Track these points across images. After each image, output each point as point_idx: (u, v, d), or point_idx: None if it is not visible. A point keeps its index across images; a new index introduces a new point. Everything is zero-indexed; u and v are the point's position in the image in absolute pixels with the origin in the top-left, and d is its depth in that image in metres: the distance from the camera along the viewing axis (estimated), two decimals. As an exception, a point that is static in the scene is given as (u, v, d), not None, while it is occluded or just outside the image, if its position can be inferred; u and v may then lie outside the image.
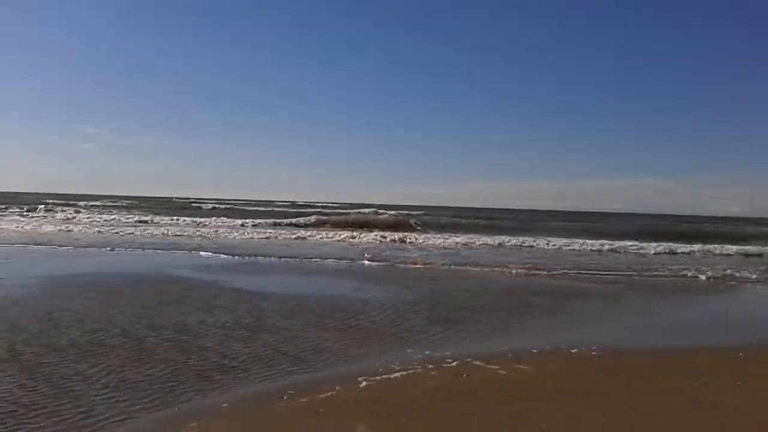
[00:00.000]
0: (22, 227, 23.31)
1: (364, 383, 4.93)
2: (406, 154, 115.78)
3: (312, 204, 74.51)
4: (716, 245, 22.76)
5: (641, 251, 20.88)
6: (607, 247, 21.60)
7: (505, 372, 5.39)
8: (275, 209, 49.11)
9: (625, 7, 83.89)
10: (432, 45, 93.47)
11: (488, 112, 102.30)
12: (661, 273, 14.48)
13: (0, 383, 4.70)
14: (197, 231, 23.88)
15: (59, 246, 16.32)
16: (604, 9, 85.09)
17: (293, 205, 67.31)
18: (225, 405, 4.40)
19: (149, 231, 22.79)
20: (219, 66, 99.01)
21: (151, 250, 16.08)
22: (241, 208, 50.10)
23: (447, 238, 23.10)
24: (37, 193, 70.66)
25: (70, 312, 7.37)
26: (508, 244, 22.43)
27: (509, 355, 5.95)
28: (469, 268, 14.42)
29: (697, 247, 22.10)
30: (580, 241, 23.36)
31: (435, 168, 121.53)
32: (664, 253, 20.72)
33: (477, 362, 5.63)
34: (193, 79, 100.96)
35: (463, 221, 35.69)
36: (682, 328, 8.19)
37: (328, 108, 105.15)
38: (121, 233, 21.67)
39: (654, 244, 22.05)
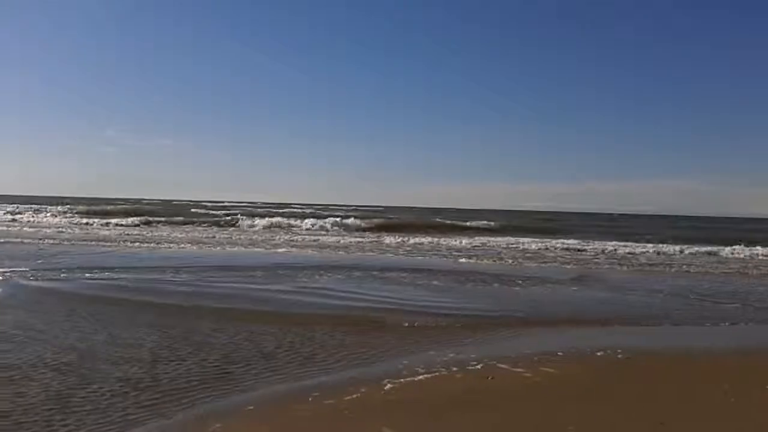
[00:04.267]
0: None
1: (388, 385, 4.89)
2: (409, 154, 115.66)
3: (351, 207, 74.48)
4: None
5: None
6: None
7: (530, 374, 5.32)
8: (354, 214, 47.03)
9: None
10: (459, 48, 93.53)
11: (504, 111, 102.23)
12: None
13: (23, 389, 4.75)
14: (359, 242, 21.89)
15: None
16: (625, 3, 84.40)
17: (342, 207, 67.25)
18: (251, 407, 4.39)
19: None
20: (239, 67, 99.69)
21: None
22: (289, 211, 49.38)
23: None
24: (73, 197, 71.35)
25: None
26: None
27: (535, 357, 5.87)
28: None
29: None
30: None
31: (442, 168, 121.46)
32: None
33: (502, 365, 5.56)
34: (213, 80, 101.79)
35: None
36: (714, 331, 8.04)
37: (357, 111, 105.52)
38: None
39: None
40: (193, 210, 45.74)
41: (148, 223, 30.04)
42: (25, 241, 18.04)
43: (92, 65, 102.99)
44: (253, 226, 30.93)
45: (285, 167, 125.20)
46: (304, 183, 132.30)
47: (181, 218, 33.72)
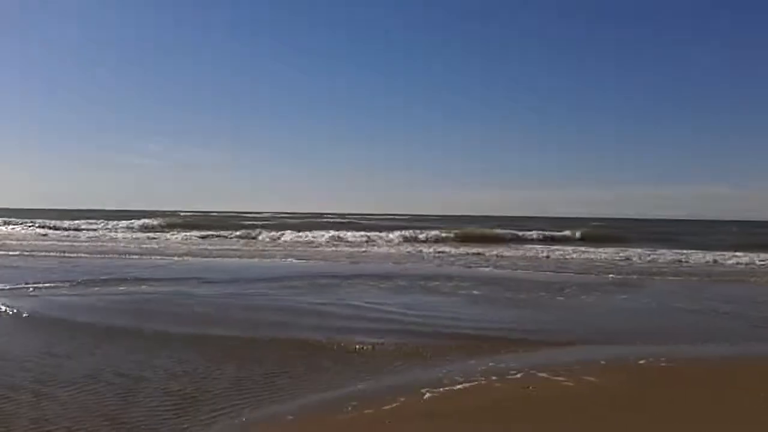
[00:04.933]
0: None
1: (427, 395, 4.87)
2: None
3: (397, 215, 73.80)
4: None
5: None
6: None
7: (571, 384, 5.24)
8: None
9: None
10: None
11: (532, 112, 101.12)
12: None
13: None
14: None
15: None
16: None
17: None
18: (290, 417, 4.43)
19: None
20: (242, 68, 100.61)
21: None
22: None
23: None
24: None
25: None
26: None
27: (576, 366, 5.78)
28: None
29: None
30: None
31: (465, 173, 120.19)
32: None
33: (542, 374, 5.49)
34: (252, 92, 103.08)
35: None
36: (761, 335, 7.78)
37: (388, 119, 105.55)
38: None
39: None
40: (240, 222, 45.28)
41: (205, 237, 29.49)
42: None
43: (133, 77, 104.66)
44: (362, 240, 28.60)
45: (286, 174, 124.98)
46: (305, 190, 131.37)
47: (247, 231, 32.24)
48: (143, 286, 11.22)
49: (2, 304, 8.69)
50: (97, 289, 10.79)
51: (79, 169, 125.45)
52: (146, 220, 40.35)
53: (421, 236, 30.15)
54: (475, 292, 11.30)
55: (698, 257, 20.44)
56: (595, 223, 53.25)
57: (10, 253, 18.73)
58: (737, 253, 20.99)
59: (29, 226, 35.01)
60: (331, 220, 52.43)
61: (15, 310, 8.37)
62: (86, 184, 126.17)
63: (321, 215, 71.25)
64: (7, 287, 10.65)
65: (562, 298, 10.79)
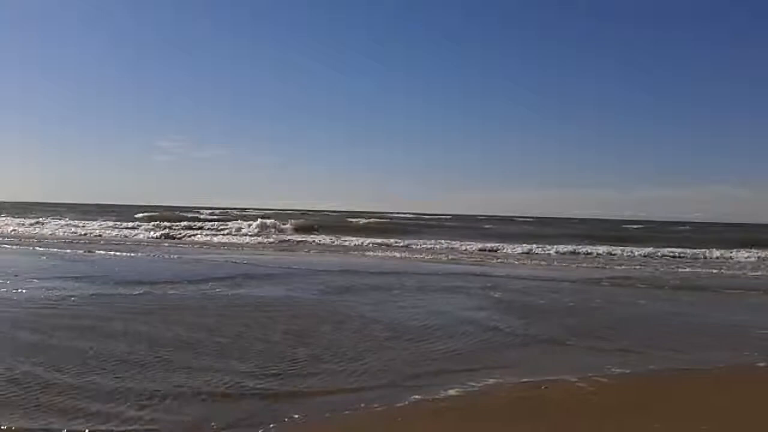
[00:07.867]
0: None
1: (441, 393, 4.79)
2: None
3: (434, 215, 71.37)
4: None
5: None
6: None
7: (584, 384, 5.18)
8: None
9: None
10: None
11: (542, 114, 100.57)
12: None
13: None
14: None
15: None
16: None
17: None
18: (296, 416, 4.28)
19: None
20: (293, 75, 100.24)
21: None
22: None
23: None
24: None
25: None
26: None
27: (591, 369, 5.70)
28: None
29: None
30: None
31: (484, 174, 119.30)
32: None
33: (556, 375, 5.41)
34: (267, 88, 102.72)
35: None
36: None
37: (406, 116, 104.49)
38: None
39: None
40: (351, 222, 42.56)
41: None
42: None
43: (147, 74, 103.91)
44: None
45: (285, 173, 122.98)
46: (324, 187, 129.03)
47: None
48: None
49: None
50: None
51: (98, 165, 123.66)
52: (241, 222, 33.10)
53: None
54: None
55: None
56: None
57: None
58: None
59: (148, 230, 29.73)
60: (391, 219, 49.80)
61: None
62: (105, 179, 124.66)
63: (355, 213, 68.46)
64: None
65: None
